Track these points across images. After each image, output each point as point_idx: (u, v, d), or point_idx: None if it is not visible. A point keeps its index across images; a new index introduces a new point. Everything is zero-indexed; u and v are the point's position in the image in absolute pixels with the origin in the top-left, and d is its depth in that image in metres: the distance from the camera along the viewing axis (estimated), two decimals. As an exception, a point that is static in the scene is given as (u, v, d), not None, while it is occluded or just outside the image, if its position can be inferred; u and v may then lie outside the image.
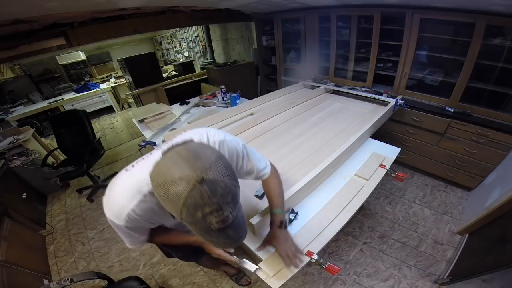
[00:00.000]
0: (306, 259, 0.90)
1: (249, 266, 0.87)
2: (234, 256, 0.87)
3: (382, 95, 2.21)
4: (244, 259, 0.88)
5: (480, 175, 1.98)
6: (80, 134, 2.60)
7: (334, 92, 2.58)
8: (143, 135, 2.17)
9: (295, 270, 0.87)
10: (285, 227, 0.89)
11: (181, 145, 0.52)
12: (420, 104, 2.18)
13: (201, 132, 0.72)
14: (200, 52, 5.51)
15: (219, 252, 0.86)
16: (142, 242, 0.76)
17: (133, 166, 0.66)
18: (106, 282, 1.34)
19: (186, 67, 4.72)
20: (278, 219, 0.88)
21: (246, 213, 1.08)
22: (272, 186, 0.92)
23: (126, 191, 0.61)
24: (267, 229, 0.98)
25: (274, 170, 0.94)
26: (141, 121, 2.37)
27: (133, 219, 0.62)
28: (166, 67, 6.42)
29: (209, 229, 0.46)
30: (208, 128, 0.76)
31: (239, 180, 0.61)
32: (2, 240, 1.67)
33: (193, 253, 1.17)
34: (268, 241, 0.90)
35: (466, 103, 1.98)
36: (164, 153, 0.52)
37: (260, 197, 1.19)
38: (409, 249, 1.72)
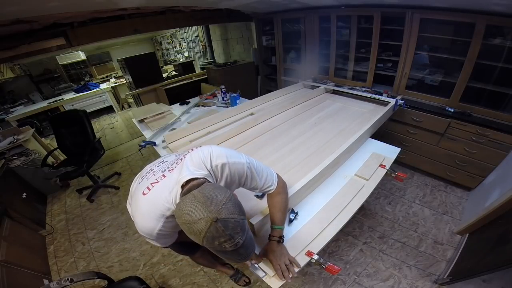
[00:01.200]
0: (305, 262, 0.90)
1: (259, 272, 0.89)
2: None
3: (382, 95, 2.21)
4: (256, 265, 0.91)
5: (480, 175, 1.98)
6: (80, 134, 2.60)
7: (334, 92, 2.58)
8: (143, 135, 2.17)
9: (296, 271, 0.87)
10: (282, 241, 0.91)
11: (197, 188, 0.64)
12: (420, 104, 2.18)
13: (205, 154, 0.78)
14: (200, 52, 5.51)
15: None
16: (172, 242, 0.88)
17: (149, 189, 0.75)
18: (106, 282, 1.34)
19: (186, 67, 4.72)
20: (277, 234, 0.90)
21: (246, 213, 1.08)
22: (275, 202, 0.93)
23: (150, 217, 0.73)
24: (267, 229, 0.98)
25: (281, 185, 0.95)
26: (141, 121, 2.37)
27: (163, 233, 0.76)
28: (166, 67, 6.42)
29: (224, 251, 0.59)
30: (214, 148, 0.81)
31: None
32: (2, 240, 1.67)
33: (186, 248, 1.20)
34: (264, 254, 0.92)
35: (466, 103, 1.98)
36: (184, 194, 0.66)
37: (260, 197, 1.19)
38: (409, 249, 1.72)
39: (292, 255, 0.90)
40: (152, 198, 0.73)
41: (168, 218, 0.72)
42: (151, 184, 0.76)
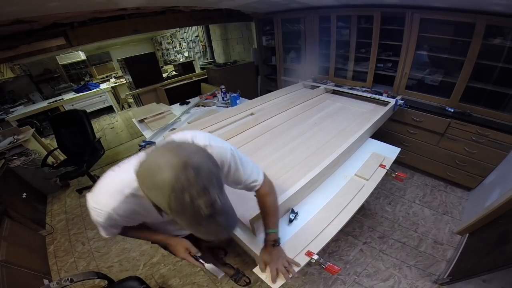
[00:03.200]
0: (305, 262, 0.90)
1: (215, 271, 0.88)
2: (200, 260, 0.88)
3: (382, 95, 2.21)
4: (211, 264, 0.89)
5: (480, 175, 1.98)
6: (80, 134, 2.60)
7: (334, 92, 2.58)
8: (143, 135, 2.17)
9: (295, 271, 0.87)
10: (279, 244, 0.89)
11: (164, 143, 0.53)
12: (420, 104, 2.18)
13: (186, 135, 0.71)
14: (200, 52, 5.51)
15: (184, 256, 0.88)
16: (115, 234, 0.78)
17: (119, 166, 0.66)
18: (106, 282, 1.34)
19: (186, 67, 4.72)
20: (271, 239, 0.88)
21: (246, 212, 1.08)
22: (266, 203, 0.87)
23: (108, 192, 0.63)
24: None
25: (269, 184, 0.88)
26: (141, 121, 2.37)
27: (113, 218, 0.65)
28: (166, 67, 6.41)
29: (198, 216, 0.46)
30: (196, 131, 0.75)
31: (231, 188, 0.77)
32: (2, 240, 1.67)
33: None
34: (263, 259, 0.89)
35: (466, 103, 1.98)
36: (148, 152, 0.53)
37: (260, 197, 1.19)
38: (409, 249, 1.72)
39: (291, 256, 0.90)
40: (117, 174, 0.65)
41: (126, 198, 0.62)
42: (122, 162, 0.67)
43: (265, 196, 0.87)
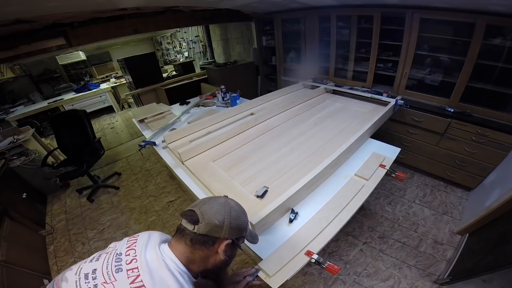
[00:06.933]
0: (304, 261, 0.90)
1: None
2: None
3: (382, 95, 2.21)
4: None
5: (480, 175, 1.98)
6: (80, 134, 2.59)
7: (334, 92, 2.58)
8: (143, 135, 2.17)
9: (295, 270, 0.87)
10: None
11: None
12: (420, 104, 2.18)
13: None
14: (200, 52, 5.51)
15: None
16: None
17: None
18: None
19: (186, 67, 4.72)
20: None
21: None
22: None
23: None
24: (267, 230, 0.98)
25: None
26: (141, 121, 2.37)
27: None
28: (166, 67, 6.41)
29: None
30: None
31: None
32: (2, 240, 1.67)
33: None
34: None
35: (466, 103, 1.98)
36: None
37: (260, 196, 1.19)
38: (409, 249, 1.72)
39: (291, 255, 0.90)
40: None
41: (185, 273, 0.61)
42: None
43: None
